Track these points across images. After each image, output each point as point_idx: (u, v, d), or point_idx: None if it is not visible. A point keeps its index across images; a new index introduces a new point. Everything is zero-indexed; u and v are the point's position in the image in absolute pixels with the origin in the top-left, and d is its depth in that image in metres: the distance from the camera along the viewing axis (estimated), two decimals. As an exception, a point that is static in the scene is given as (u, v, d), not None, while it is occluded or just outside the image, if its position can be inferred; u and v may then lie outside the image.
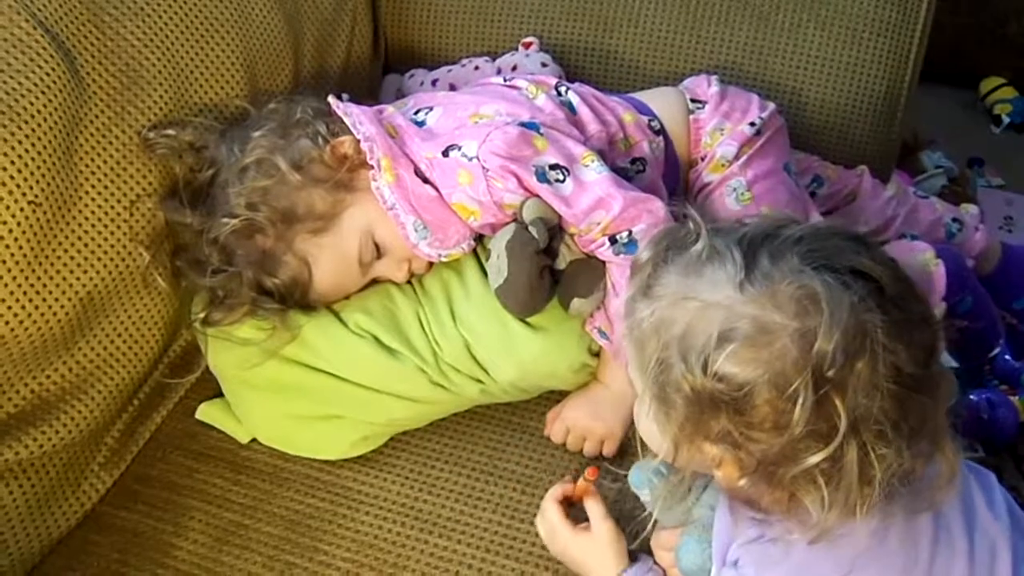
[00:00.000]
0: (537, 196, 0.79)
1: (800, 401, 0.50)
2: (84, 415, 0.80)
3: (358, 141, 0.83)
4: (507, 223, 0.81)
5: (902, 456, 0.51)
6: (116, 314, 0.82)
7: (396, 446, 0.85)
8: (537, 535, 0.75)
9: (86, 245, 0.78)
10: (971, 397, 1.27)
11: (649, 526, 0.64)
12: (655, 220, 0.79)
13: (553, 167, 0.79)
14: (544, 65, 1.07)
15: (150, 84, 0.84)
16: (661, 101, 0.95)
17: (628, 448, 0.81)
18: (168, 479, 0.84)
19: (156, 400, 0.89)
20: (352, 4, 1.11)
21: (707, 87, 0.96)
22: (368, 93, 1.13)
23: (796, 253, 0.52)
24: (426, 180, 0.83)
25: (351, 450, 0.84)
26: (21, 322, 0.73)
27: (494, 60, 1.10)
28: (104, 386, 0.82)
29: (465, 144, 0.80)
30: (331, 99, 0.86)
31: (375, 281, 0.87)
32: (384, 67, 1.20)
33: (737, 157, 0.90)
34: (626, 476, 0.69)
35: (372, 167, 0.82)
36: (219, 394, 0.89)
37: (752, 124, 0.92)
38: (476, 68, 1.09)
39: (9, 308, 0.72)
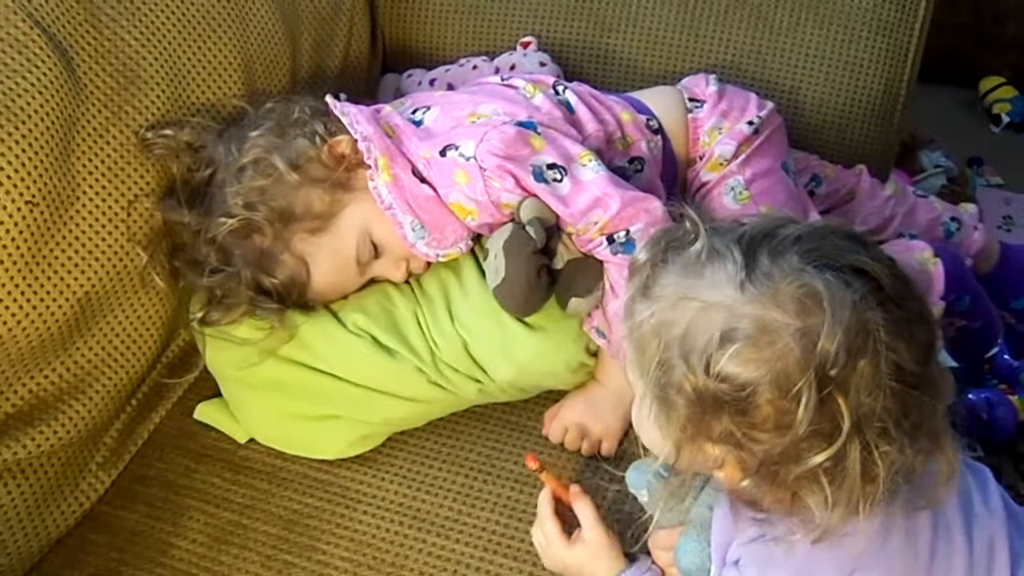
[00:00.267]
0: (534, 196, 0.79)
1: (803, 401, 0.49)
2: (82, 415, 0.80)
3: (355, 141, 0.83)
4: (505, 223, 0.81)
5: (904, 454, 0.51)
6: (114, 314, 0.82)
7: (394, 445, 0.85)
8: (535, 534, 0.75)
9: (83, 245, 0.78)
10: (970, 396, 1.27)
11: (650, 529, 0.64)
12: (653, 219, 0.79)
13: (550, 166, 0.79)
14: (542, 64, 1.07)
15: (147, 84, 0.84)
16: (659, 100, 0.95)
17: (627, 447, 0.81)
18: (166, 479, 0.84)
19: (154, 400, 0.89)
20: (350, 4, 1.11)
21: (705, 86, 0.96)
22: (366, 93, 1.13)
23: (796, 252, 0.52)
24: (423, 180, 0.83)
25: (349, 449, 0.84)
26: (19, 322, 0.73)
27: (492, 60, 1.10)
28: (102, 386, 0.82)
29: (462, 144, 0.80)
30: (328, 99, 0.86)
31: (373, 281, 0.87)
32: (382, 67, 1.20)
33: (735, 156, 0.90)
34: (623, 478, 0.69)
35: (369, 167, 0.82)
36: (217, 394, 0.89)
37: (750, 123, 0.92)
38: (474, 68, 1.09)
39: (7, 308, 0.72)
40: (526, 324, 0.82)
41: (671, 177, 0.93)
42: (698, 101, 0.95)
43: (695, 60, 1.08)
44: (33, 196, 0.72)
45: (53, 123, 0.75)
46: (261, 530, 0.79)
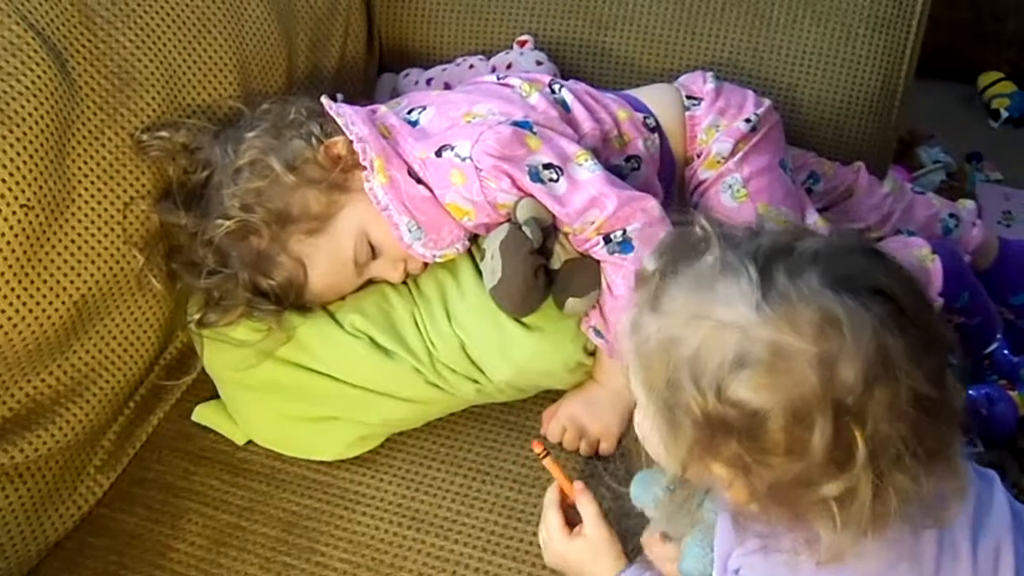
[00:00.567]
0: (531, 196, 0.79)
1: (818, 429, 0.48)
2: (80, 418, 0.80)
3: (351, 142, 0.82)
4: (501, 223, 0.81)
5: (918, 482, 0.49)
6: (111, 317, 0.82)
7: (392, 446, 0.85)
8: (534, 534, 0.75)
9: (80, 248, 0.78)
10: (970, 392, 1.26)
11: (645, 531, 0.63)
12: (649, 219, 0.78)
13: (546, 166, 0.79)
14: (539, 63, 1.07)
15: (143, 86, 0.84)
16: (656, 98, 0.95)
17: (626, 445, 0.81)
18: (165, 481, 0.84)
19: (152, 402, 0.89)
20: (346, 3, 1.11)
21: (702, 84, 0.96)
22: (363, 93, 1.13)
23: (815, 271, 0.49)
24: (420, 180, 0.83)
25: (347, 451, 0.84)
26: (15, 326, 0.73)
27: (489, 59, 1.09)
28: (100, 389, 0.82)
29: (458, 144, 0.80)
30: (324, 99, 0.86)
31: (371, 282, 0.87)
32: (379, 66, 1.19)
33: (733, 153, 0.90)
34: (627, 492, 0.68)
35: (365, 168, 0.82)
36: (215, 396, 0.89)
37: (748, 120, 0.91)
38: (471, 67, 1.08)
39: (3, 312, 0.72)
40: (523, 324, 0.82)
41: (668, 175, 0.93)
42: (695, 99, 0.95)
43: (692, 58, 1.08)
44: (28, 199, 0.72)
45: (48, 126, 0.74)
46: (260, 532, 0.79)
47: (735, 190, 0.90)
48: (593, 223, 0.78)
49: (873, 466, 0.48)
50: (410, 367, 0.82)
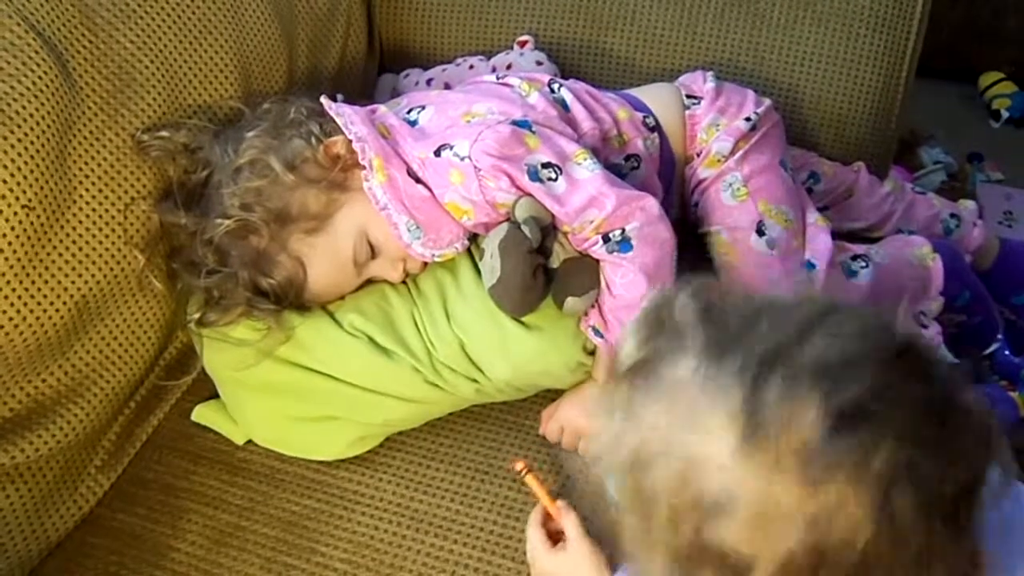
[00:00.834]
0: (530, 195, 0.79)
1: None
2: (80, 418, 0.80)
3: (350, 141, 0.82)
4: (500, 222, 0.81)
5: None
6: (111, 317, 0.82)
7: (392, 446, 0.85)
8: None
9: (80, 248, 0.78)
10: (971, 393, 1.26)
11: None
12: (648, 218, 0.78)
13: (545, 165, 0.79)
14: (539, 63, 1.07)
15: (143, 86, 0.84)
16: (656, 97, 0.95)
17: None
18: (165, 481, 0.84)
19: (152, 402, 0.89)
20: (347, 4, 1.11)
21: (702, 83, 0.96)
22: (363, 93, 1.13)
23: (815, 396, 0.41)
24: (419, 180, 0.83)
25: (347, 450, 0.84)
26: (16, 326, 0.73)
27: (489, 59, 1.10)
28: (100, 389, 0.82)
29: (457, 143, 0.80)
30: (323, 99, 0.86)
31: (370, 281, 0.87)
32: (379, 67, 1.20)
33: (733, 152, 0.90)
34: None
35: (364, 167, 0.82)
36: (215, 395, 0.89)
37: (748, 119, 0.91)
38: (471, 67, 1.09)
39: (4, 312, 0.72)
40: (523, 324, 0.82)
41: (668, 174, 0.93)
42: (695, 98, 0.95)
43: (692, 57, 1.08)
44: (29, 200, 0.72)
45: (49, 127, 0.75)
46: (260, 532, 0.79)
47: (735, 189, 0.90)
48: (592, 222, 0.78)
49: None
50: (409, 367, 0.82)
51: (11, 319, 0.73)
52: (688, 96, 0.95)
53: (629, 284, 0.78)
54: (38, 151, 0.73)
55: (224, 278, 0.81)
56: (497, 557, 0.76)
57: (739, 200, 0.90)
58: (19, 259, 0.73)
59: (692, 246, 0.89)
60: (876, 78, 1.06)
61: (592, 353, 0.84)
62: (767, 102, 0.94)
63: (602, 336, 0.82)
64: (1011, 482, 0.45)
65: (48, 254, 0.76)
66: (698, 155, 0.93)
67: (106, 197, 0.80)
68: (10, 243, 0.71)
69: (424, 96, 0.91)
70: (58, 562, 0.80)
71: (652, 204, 0.79)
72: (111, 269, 0.81)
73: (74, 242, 0.78)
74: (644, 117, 0.91)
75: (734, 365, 0.43)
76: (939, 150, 1.62)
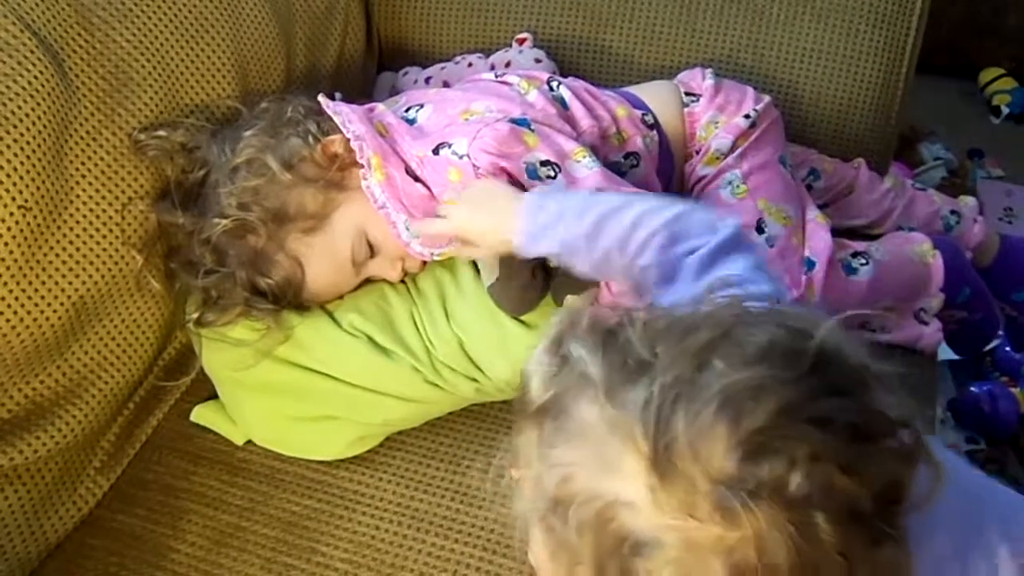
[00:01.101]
0: (527, 193, 0.79)
1: None
2: (79, 419, 0.80)
3: (348, 140, 0.82)
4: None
5: None
6: (109, 317, 0.82)
7: (392, 445, 0.85)
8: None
9: (78, 249, 0.78)
10: (972, 389, 1.26)
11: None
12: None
13: (544, 163, 0.79)
14: (538, 61, 1.06)
15: (140, 86, 0.84)
16: (655, 95, 0.94)
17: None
18: (164, 482, 0.84)
19: (151, 403, 0.89)
20: (345, 2, 1.10)
21: (702, 80, 0.96)
22: (362, 91, 1.12)
23: (721, 427, 0.41)
24: (417, 178, 0.83)
25: (347, 450, 0.83)
26: (13, 327, 0.73)
27: (488, 57, 1.09)
28: (99, 390, 0.82)
29: (455, 142, 0.80)
30: (321, 98, 0.85)
31: (369, 281, 0.87)
32: (378, 65, 1.19)
33: (732, 150, 0.90)
34: None
35: (363, 166, 0.82)
36: (214, 396, 0.89)
37: (747, 116, 0.91)
38: (470, 65, 1.08)
39: (1, 313, 0.72)
40: (523, 323, 0.82)
41: (667, 172, 0.92)
42: (694, 95, 0.94)
43: (691, 54, 1.08)
44: (26, 200, 0.72)
45: (45, 127, 0.74)
46: (260, 532, 0.79)
47: (735, 186, 0.90)
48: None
49: None
50: (409, 366, 0.82)
51: (8, 320, 0.72)
52: (687, 93, 0.95)
53: (629, 282, 0.78)
54: (34, 151, 0.73)
55: (222, 278, 0.81)
56: (498, 556, 0.76)
57: (738, 198, 0.89)
58: (16, 260, 0.72)
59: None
60: (876, 74, 1.05)
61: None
62: (766, 99, 0.94)
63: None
64: (942, 478, 0.44)
65: (45, 255, 0.75)
66: (697, 152, 0.93)
67: (103, 197, 0.80)
68: (7, 244, 0.71)
69: (422, 94, 0.91)
70: (57, 563, 0.79)
71: (651, 202, 0.79)
72: (109, 269, 0.80)
73: (71, 242, 0.78)
74: (643, 115, 0.91)
75: (636, 402, 0.42)
76: (939, 146, 1.61)
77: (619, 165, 0.87)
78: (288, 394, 0.84)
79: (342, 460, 0.84)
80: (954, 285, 0.95)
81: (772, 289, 0.58)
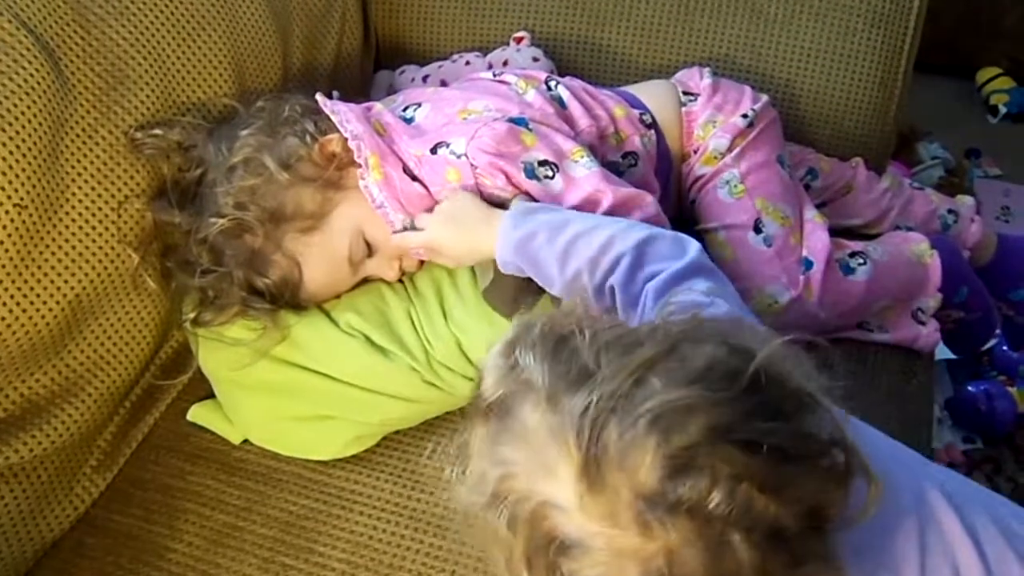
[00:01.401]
0: (526, 193, 0.79)
1: None
2: (75, 418, 0.80)
3: (346, 139, 0.82)
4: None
5: None
6: (106, 316, 0.82)
7: (389, 445, 0.85)
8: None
9: (74, 247, 0.78)
10: (969, 389, 1.27)
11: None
12: (645, 215, 0.78)
13: (542, 163, 0.78)
14: (535, 60, 1.06)
15: (136, 84, 0.83)
16: (653, 94, 0.94)
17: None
18: (161, 481, 0.84)
19: (148, 402, 0.89)
20: (342, 0, 1.10)
21: (699, 79, 0.95)
22: (359, 90, 1.12)
23: (651, 440, 0.42)
24: (415, 178, 0.82)
25: (344, 450, 0.83)
26: (9, 326, 0.73)
27: (485, 55, 1.09)
28: (95, 389, 0.82)
29: (453, 141, 0.80)
30: (318, 96, 0.85)
31: (366, 280, 0.87)
32: (375, 63, 1.19)
33: (730, 149, 0.90)
34: None
35: (360, 165, 0.82)
36: (211, 395, 0.89)
37: (745, 116, 0.91)
38: (467, 63, 1.08)
39: (-3, 312, 0.72)
40: (520, 321, 0.82)
41: (665, 172, 0.92)
42: (692, 95, 0.94)
43: (689, 53, 1.08)
44: (22, 199, 0.72)
45: (41, 125, 0.74)
46: (257, 532, 0.79)
47: (732, 186, 0.89)
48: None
49: None
50: (406, 366, 0.81)
51: (3, 319, 0.72)
52: (685, 93, 0.95)
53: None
54: (30, 149, 0.73)
55: (219, 278, 0.81)
56: (495, 556, 0.76)
57: (736, 197, 0.89)
58: (11, 258, 0.72)
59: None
60: (874, 74, 1.05)
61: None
62: (764, 98, 0.94)
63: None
64: (879, 491, 0.45)
65: (41, 253, 0.75)
66: (695, 152, 0.92)
67: (99, 195, 0.80)
68: (2, 242, 0.71)
69: (420, 93, 0.90)
70: (53, 563, 0.79)
71: (650, 201, 0.79)
72: (105, 268, 0.80)
73: (67, 241, 0.77)
74: (641, 114, 0.91)
75: (574, 411, 0.44)
76: (937, 145, 1.62)
77: (617, 165, 0.87)
78: (285, 394, 0.84)
79: (339, 460, 0.83)
80: (952, 285, 0.95)
81: (728, 311, 0.60)
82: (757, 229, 0.88)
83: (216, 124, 0.87)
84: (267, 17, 0.97)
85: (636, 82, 0.99)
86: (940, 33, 1.34)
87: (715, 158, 0.90)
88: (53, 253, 0.76)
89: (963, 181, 1.57)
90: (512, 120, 0.80)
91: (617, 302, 0.65)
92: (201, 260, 0.81)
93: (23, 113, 0.73)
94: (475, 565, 0.75)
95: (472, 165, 0.78)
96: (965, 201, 1.11)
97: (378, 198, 0.82)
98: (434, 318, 0.83)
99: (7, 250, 0.72)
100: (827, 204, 1.02)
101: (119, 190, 0.82)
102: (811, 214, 0.92)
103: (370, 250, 0.84)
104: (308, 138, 0.82)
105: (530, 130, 0.80)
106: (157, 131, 0.82)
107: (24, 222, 0.72)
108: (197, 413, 0.88)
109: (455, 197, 0.79)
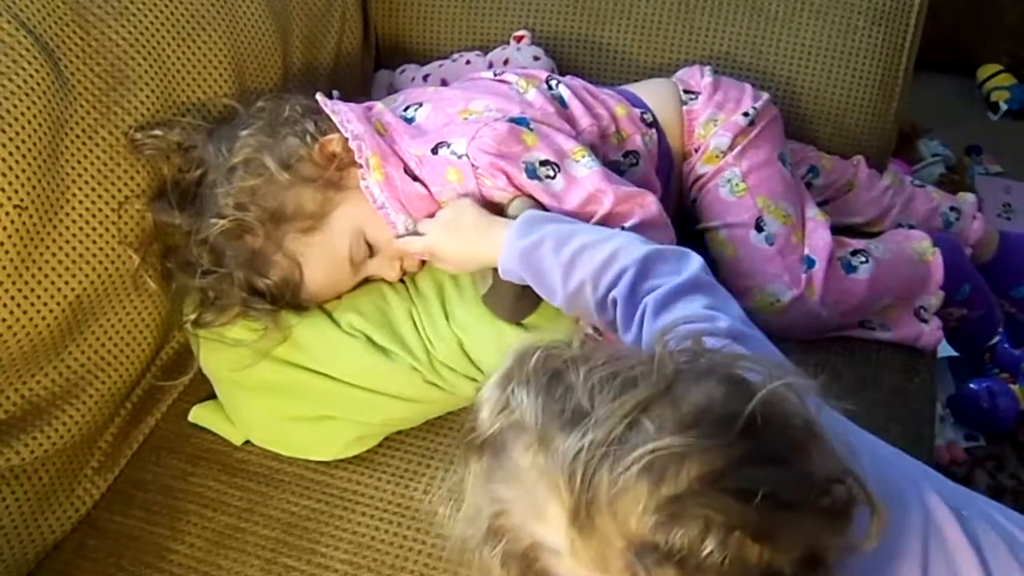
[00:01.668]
0: (525, 194, 0.79)
1: None
2: (76, 419, 0.80)
3: (346, 139, 0.82)
4: (499, 220, 0.80)
5: None
6: (106, 317, 0.81)
7: (391, 445, 0.84)
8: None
9: (74, 248, 0.78)
10: (971, 386, 1.27)
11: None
12: (647, 215, 0.78)
13: (543, 163, 0.78)
14: (536, 59, 1.06)
15: (136, 84, 0.83)
16: (654, 93, 0.94)
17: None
18: (163, 482, 0.84)
19: (149, 403, 0.88)
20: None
21: (700, 78, 0.95)
22: (360, 89, 1.12)
23: (642, 488, 0.42)
24: (416, 178, 0.82)
25: (345, 450, 0.83)
26: (10, 327, 0.72)
27: (486, 54, 1.09)
28: (96, 390, 0.81)
29: (454, 141, 0.79)
30: (319, 96, 0.85)
31: (367, 280, 0.87)
32: (375, 63, 1.19)
33: (731, 148, 0.90)
34: None
35: (361, 166, 0.81)
36: (212, 396, 0.89)
37: (746, 114, 0.91)
38: (468, 63, 1.08)
39: (-3, 314, 0.72)
40: (522, 323, 0.81)
41: (666, 171, 0.92)
42: (693, 93, 0.94)
43: (690, 52, 1.08)
44: (22, 200, 0.72)
45: (41, 125, 0.74)
46: (260, 533, 0.79)
47: (734, 184, 0.89)
48: (591, 220, 0.77)
49: None
50: (408, 366, 0.81)
51: (4, 320, 0.72)
52: (685, 91, 0.94)
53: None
54: (30, 150, 0.73)
55: (219, 278, 0.81)
56: (497, 557, 0.76)
57: (738, 196, 0.89)
58: (12, 260, 0.72)
59: (690, 243, 0.89)
60: (875, 71, 1.05)
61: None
62: (765, 96, 0.94)
63: (601, 335, 0.81)
64: (883, 521, 0.44)
65: (41, 254, 0.75)
66: (696, 151, 0.92)
67: (99, 196, 0.80)
68: (2, 243, 0.71)
69: (421, 93, 0.90)
70: (55, 565, 0.79)
71: (651, 201, 0.78)
72: (105, 269, 0.80)
73: (67, 242, 0.77)
74: (642, 113, 0.91)
75: (566, 454, 0.43)
76: (937, 143, 1.61)
77: (618, 164, 0.87)
78: (287, 394, 0.84)
79: (341, 460, 0.83)
80: (954, 282, 0.95)
81: (728, 326, 0.59)
82: (759, 228, 0.88)
83: (216, 124, 0.86)
84: (267, 17, 0.97)
85: (637, 81, 0.99)
86: (941, 30, 1.34)
87: (716, 156, 0.90)
88: (53, 254, 0.76)
89: (964, 178, 1.57)
90: (513, 120, 0.80)
91: (618, 315, 0.66)
92: (202, 261, 0.81)
93: (23, 114, 0.72)
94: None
95: (473, 165, 0.78)
96: (967, 198, 1.10)
97: (379, 198, 0.81)
98: (436, 318, 0.83)
99: (7, 251, 0.71)
100: (828, 202, 1.02)
101: (119, 191, 0.81)
102: (813, 212, 0.92)
103: (371, 250, 0.84)
104: (308, 138, 0.82)
105: (531, 130, 0.80)
106: (157, 132, 0.82)
107: (24, 223, 0.72)
108: (198, 414, 0.88)
109: (456, 204, 0.79)
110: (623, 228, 0.77)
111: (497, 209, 0.80)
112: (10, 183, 0.71)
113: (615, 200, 0.77)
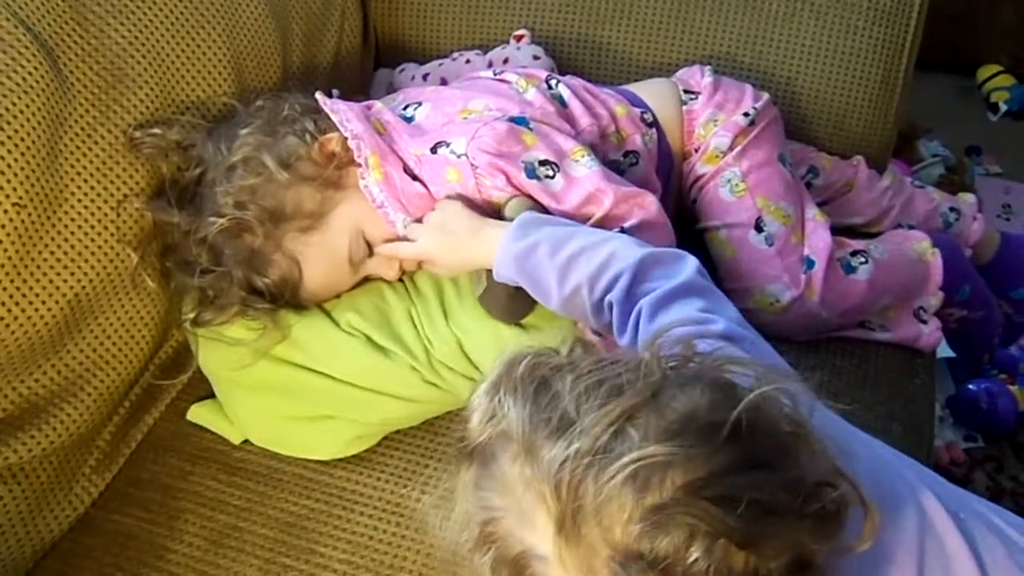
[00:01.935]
0: (524, 194, 0.78)
1: None
2: (74, 418, 0.80)
3: (346, 138, 0.82)
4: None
5: None
6: (105, 316, 0.81)
7: (389, 444, 0.84)
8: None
9: (73, 247, 0.78)
10: (970, 387, 1.27)
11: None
12: (647, 215, 0.78)
13: (543, 163, 0.78)
14: (536, 58, 1.06)
15: (135, 82, 0.83)
16: (654, 93, 0.94)
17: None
18: (161, 482, 0.84)
19: (147, 402, 0.88)
20: (341, -2, 1.10)
21: (700, 77, 0.95)
22: (359, 88, 1.12)
23: (627, 497, 0.42)
24: (415, 177, 0.82)
25: (344, 450, 0.83)
26: (7, 325, 0.72)
27: (485, 53, 1.09)
28: (94, 388, 0.81)
29: (453, 141, 0.79)
30: (318, 95, 0.85)
31: (366, 279, 0.87)
32: (375, 62, 1.19)
33: (731, 148, 0.90)
34: None
35: (360, 165, 0.81)
36: (211, 395, 0.89)
37: (746, 114, 0.91)
38: (467, 62, 1.08)
39: (-5, 312, 0.71)
40: (520, 323, 0.81)
41: (666, 171, 0.92)
42: (693, 93, 0.94)
43: (690, 51, 1.07)
44: (20, 198, 0.72)
45: (40, 123, 0.74)
46: (258, 533, 0.79)
47: (734, 184, 0.89)
48: (590, 220, 0.77)
49: None
50: (407, 366, 0.81)
51: (2, 318, 0.72)
52: (686, 91, 0.94)
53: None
54: (29, 148, 0.72)
55: (218, 277, 0.81)
56: (496, 557, 0.76)
57: (737, 196, 0.89)
58: (10, 258, 0.72)
59: (690, 243, 0.89)
60: (875, 71, 1.05)
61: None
62: (765, 96, 0.94)
63: (600, 335, 0.81)
64: (877, 521, 0.44)
65: (40, 252, 0.75)
66: (696, 151, 0.92)
67: (98, 195, 0.80)
68: (1, 241, 0.71)
69: (420, 92, 0.90)
70: (53, 564, 0.79)
71: (651, 201, 0.78)
72: (104, 267, 0.80)
73: (66, 240, 0.77)
74: (642, 113, 0.91)
75: (552, 464, 0.44)
76: (937, 143, 1.61)
77: (618, 164, 0.87)
78: (285, 393, 0.84)
79: (340, 460, 0.83)
80: (953, 283, 0.95)
81: (723, 328, 0.59)
82: (758, 228, 0.88)
83: (215, 123, 0.86)
84: (266, 16, 0.97)
85: (637, 80, 0.99)
86: (941, 31, 1.34)
87: (716, 157, 0.90)
88: (52, 252, 0.76)
89: (963, 179, 1.57)
90: (512, 119, 0.80)
91: (613, 319, 0.66)
92: (200, 260, 0.81)
93: (22, 112, 0.72)
94: (476, 565, 0.75)
95: (472, 165, 0.78)
96: (967, 199, 1.10)
97: (378, 198, 0.81)
98: (435, 317, 0.83)
99: (5, 249, 0.71)
100: (828, 202, 1.02)
101: (118, 189, 0.81)
102: (812, 212, 0.91)
103: (370, 249, 0.84)
104: (308, 137, 0.82)
105: (531, 129, 0.80)
106: (156, 130, 0.82)
107: (23, 221, 0.72)
108: (197, 413, 0.88)
109: (444, 207, 0.79)
110: (623, 228, 0.77)
111: (496, 209, 0.80)
112: (8, 181, 0.71)
113: (615, 200, 0.77)
